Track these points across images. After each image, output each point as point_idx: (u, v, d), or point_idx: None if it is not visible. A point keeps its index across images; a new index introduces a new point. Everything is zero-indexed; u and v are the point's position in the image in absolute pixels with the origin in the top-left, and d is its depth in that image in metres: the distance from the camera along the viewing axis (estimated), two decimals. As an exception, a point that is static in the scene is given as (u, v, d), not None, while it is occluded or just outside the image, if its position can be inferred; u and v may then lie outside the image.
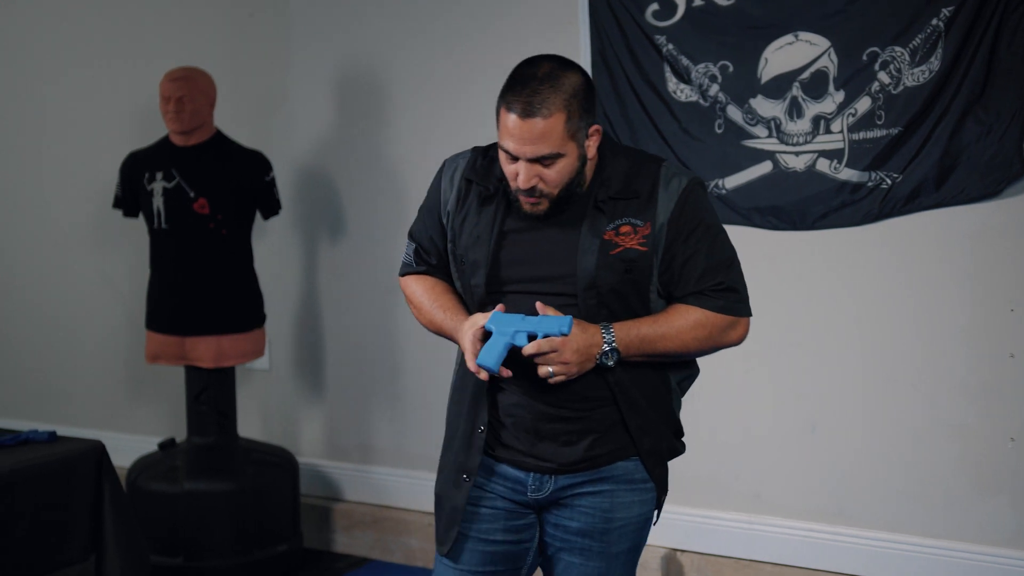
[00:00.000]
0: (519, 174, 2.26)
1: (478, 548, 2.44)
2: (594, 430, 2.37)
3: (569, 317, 2.25)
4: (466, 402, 2.41)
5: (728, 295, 2.34)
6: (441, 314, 2.44)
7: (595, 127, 2.30)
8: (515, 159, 2.26)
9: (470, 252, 2.37)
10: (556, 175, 2.26)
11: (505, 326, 2.26)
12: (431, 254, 2.48)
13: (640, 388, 2.37)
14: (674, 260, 2.33)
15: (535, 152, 2.23)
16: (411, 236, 2.54)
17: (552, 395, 2.34)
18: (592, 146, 2.31)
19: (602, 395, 2.35)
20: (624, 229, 2.31)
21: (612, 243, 2.30)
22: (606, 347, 2.28)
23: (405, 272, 2.54)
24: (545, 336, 2.24)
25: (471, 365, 2.29)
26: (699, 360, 2.49)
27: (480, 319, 2.30)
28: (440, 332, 2.46)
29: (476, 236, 2.36)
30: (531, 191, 2.27)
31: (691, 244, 2.33)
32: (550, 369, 2.25)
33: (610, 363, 2.29)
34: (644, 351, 2.32)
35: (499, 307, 2.30)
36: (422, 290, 2.49)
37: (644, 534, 2.49)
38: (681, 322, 2.33)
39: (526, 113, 2.21)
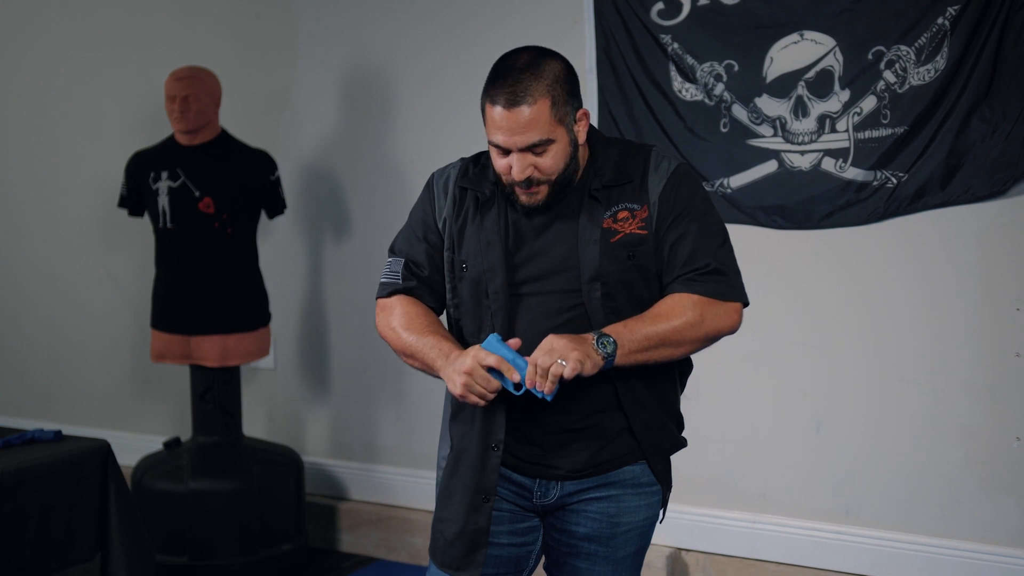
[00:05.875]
0: (512, 166, 2.25)
1: None
2: (603, 436, 2.35)
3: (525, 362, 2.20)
4: (478, 420, 2.35)
5: (717, 277, 2.29)
6: (429, 338, 2.33)
7: (582, 111, 2.30)
8: (506, 153, 2.25)
9: (481, 259, 2.32)
10: (550, 162, 2.25)
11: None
12: (422, 266, 2.40)
13: (646, 383, 2.35)
14: (664, 241, 2.31)
15: (525, 141, 2.22)
16: (396, 252, 2.46)
17: (561, 405, 2.30)
18: (582, 131, 2.30)
19: (609, 400, 2.33)
20: (622, 215, 2.31)
21: (612, 231, 2.29)
22: (595, 335, 2.20)
23: (391, 292, 2.42)
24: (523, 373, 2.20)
25: (466, 385, 2.22)
26: (703, 357, 2.49)
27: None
28: (418, 356, 2.34)
29: (486, 242, 2.32)
30: (527, 182, 2.25)
31: (681, 225, 2.30)
32: (562, 369, 2.16)
33: (609, 350, 2.19)
34: (644, 346, 2.23)
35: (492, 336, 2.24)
36: (412, 315, 2.38)
37: (649, 536, 2.48)
38: (674, 310, 2.26)
39: (511, 103, 2.21)
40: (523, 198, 2.29)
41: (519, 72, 2.22)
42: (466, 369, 2.21)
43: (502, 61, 2.27)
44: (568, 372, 2.16)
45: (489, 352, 2.22)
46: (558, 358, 2.16)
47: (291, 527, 4.36)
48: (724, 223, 2.39)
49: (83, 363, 5.36)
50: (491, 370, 2.22)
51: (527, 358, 2.21)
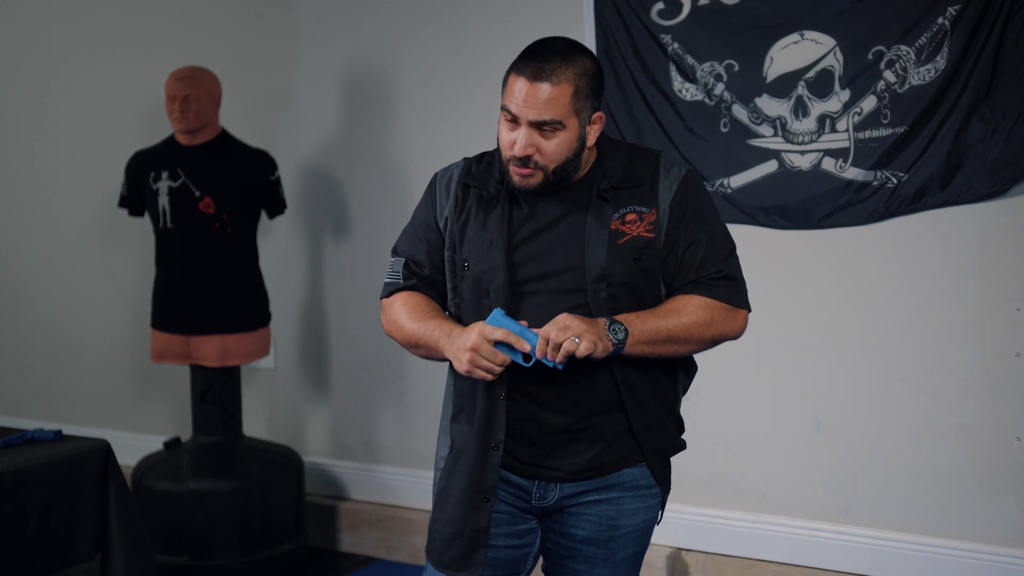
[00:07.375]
0: (516, 142, 2.25)
1: None
2: (602, 439, 2.35)
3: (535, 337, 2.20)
4: (478, 419, 2.34)
5: (727, 283, 2.33)
6: (431, 323, 2.34)
7: (599, 114, 2.30)
8: (514, 127, 2.26)
9: (483, 258, 2.33)
10: (554, 148, 2.26)
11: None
12: (423, 266, 2.42)
13: (648, 386, 2.35)
14: (675, 246, 2.32)
15: (538, 115, 2.23)
16: (396, 252, 2.47)
17: (560, 405, 2.31)
18: (593, 134, 2.31)
19: (610, 400, 2.33)
20: (630, 217, 2.31)
21: (619, 232, 2.30)
22: (607, 321, 2.23)
23: (392, 291, 2.44)
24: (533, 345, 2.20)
25: (472, 356, 2.22)
26: (704, 358, 2.49)
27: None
28: (421, 342, 2.36)
29: (488, 241, 2.32)
30: (525, 160, 2.26)
31: (692, 232, 2.32)
32: (576, 347, 2.16)
33: (620, 336, 2.22)
34: (653, 338, 2.27)
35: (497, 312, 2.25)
36: (413, 305, 2.40)
37: (648, 538, 2.48)
38: (685, 308, 2.30)
39: (535, 77, 2.22)
40: (516, 178, 2.29)
41: (552, 53, 2.24)
42: (472, 345, 2.21)
43: (538, 42, 2.29)
44: (581, 351, 2.17)
45: (496, 327, 2.22)
46: (572, 335, 2.17)
47: (291, 527, 4.36)
48: (727, 228, 2.41)
49: (83, 363, 5.36)
50: (498, 344, 2.21)
51: (536, 331, 2.21)
